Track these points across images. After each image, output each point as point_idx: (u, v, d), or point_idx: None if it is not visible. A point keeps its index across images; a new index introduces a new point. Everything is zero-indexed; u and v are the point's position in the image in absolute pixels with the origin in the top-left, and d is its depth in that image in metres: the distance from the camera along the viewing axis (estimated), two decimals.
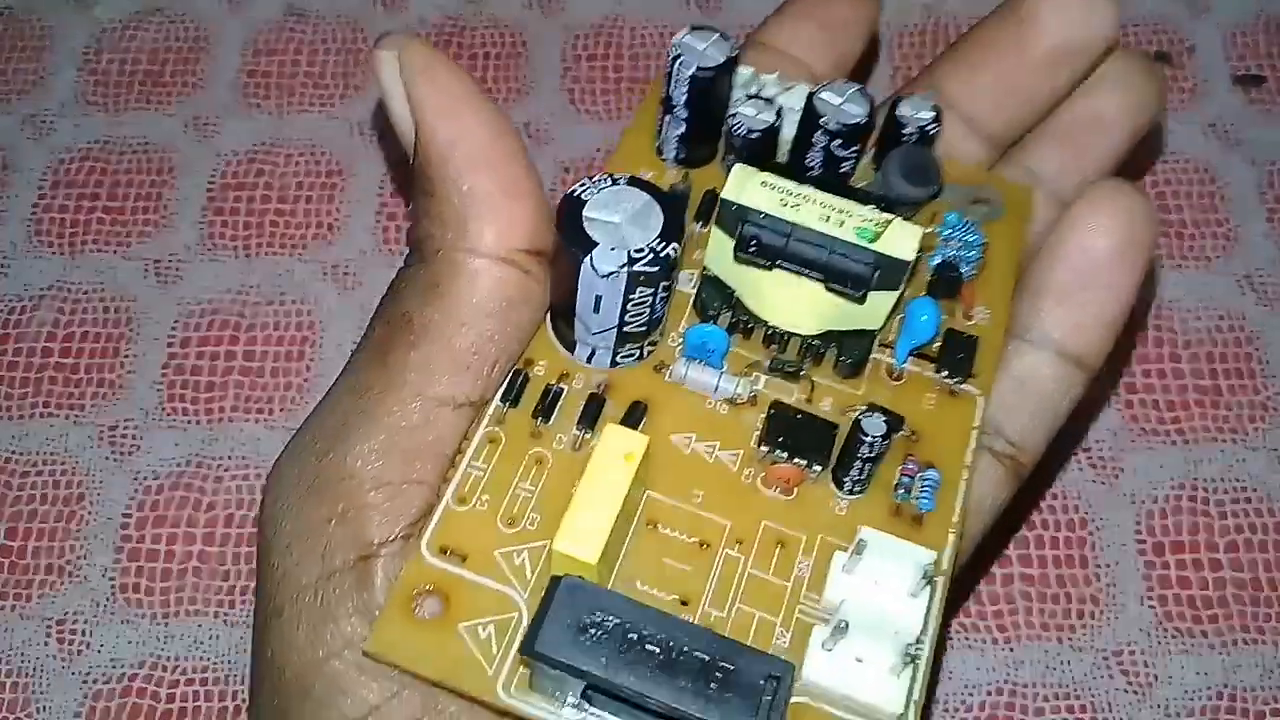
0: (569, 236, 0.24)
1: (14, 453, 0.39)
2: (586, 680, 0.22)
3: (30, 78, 0.45)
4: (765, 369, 0.27)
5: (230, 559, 0.37)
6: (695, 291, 0.28)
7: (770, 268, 0.26)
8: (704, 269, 0.27)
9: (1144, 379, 0.40)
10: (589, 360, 0.27)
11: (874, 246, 0.25)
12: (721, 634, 0.23)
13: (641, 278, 0.24)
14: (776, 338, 0.27)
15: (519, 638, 0.23)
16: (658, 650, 0.22)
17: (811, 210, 0.25)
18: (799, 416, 0.26)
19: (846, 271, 0.25)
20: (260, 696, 0.25)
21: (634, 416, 0.26)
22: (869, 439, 0.24)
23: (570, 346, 0.27)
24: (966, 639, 0.36)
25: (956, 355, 0.27)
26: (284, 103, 0.44)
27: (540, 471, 0.25)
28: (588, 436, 0.26)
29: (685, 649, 0.22)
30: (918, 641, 0.23)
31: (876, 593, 0.24)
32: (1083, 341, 0.29)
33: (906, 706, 0.23)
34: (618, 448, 0.24)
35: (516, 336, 0.26)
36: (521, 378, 0.26)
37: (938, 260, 0.29)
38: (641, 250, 0.24)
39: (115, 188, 0.43)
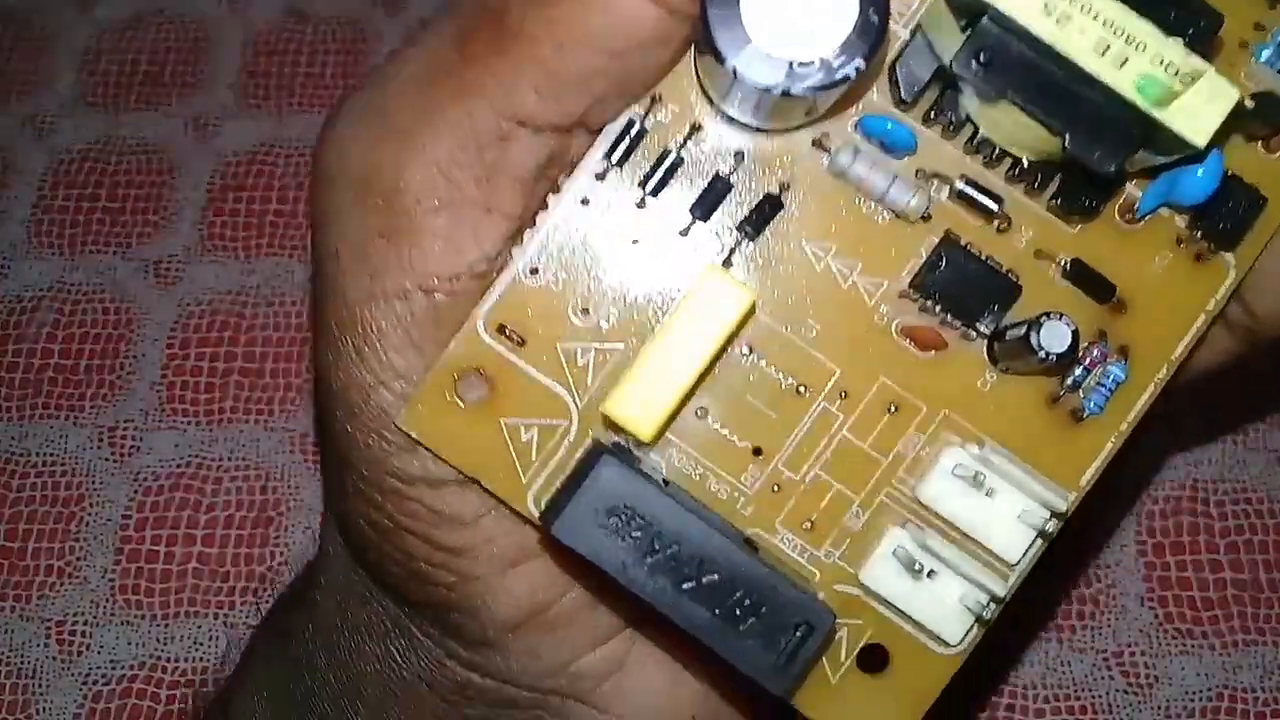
0: (713, 14, 0.18)
1: (14, 453, 0.39)
2: (605, 574, 0.19)
3: (30, 78, 0.45)
4: (955, 190, 0.20)
5: (230, 560, 0.37)
6: (896, 55, 0.20)
7: (995, 101, 0.19)
8: (918, 26, 0.20)
9: None
10: (729, 120, 0.21)
11: (1157, 113, 0.17)
12: (767, 563, 0.19)
13: (802, 97, 0.18)
14: (985, 147, 0.20)
15: (561, 452, 0.21)
16: (689, 565, 0.19)
17: (1086, 30, 0.17)
18: (974, 263, 0.20)
19: (1098, 139, 0.18)
20: (317, 403, 0.23)
21: (763, 213, 0.20)
22: (1041, 353, 0.19)
23: (710, 93, 0.20)
24: None
25: (1227, 215, 0.20)
26: (284, 103, 0.44)
27: (632, 255, 0.20)
28: (699, 224, 0.21)
29: (719, 572, 0.19)
30: (1006, 573, 0.20)
31: (980, 507, 0.20)
32: None
33: (964, 639, 0.20)
34: (712, 302, 0.19)
35: (638, 79, 0.20)
36: (637, 129, 0.20)
37: (1266, 70, 0.20)
38: (809, 64, 0.17)
39: (115, 188, 0.43)
